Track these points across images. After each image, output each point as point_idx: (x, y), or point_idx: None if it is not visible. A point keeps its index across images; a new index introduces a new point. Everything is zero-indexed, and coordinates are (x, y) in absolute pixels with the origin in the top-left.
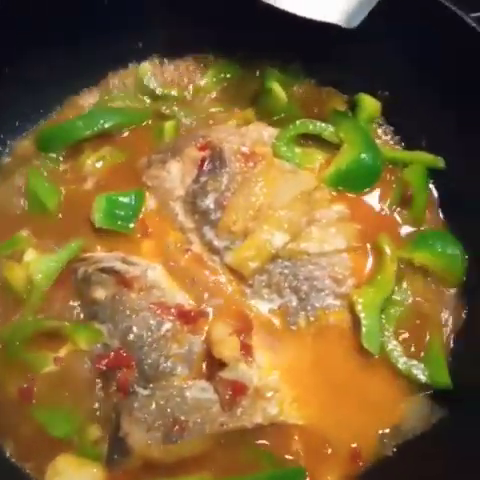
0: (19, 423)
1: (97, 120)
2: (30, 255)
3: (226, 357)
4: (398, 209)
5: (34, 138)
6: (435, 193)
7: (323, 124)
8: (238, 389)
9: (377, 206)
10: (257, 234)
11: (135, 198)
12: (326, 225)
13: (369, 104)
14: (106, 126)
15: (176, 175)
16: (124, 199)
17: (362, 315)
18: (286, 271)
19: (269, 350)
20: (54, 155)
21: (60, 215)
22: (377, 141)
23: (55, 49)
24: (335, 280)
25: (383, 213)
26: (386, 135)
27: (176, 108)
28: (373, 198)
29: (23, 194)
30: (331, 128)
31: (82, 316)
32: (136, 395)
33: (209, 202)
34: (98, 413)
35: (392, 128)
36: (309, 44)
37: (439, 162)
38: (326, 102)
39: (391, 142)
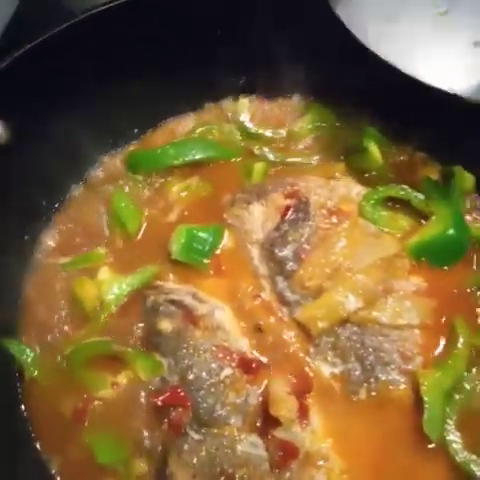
0: (69, 442)
1: (189, 150)
2: (104, 274)
3: (282, 416)
4: (479, 292)
5: (125, 158)
6: None
7: (414, 192)
8: (290, 451)
9: (457, 284)
10: (331, 294)
11: (214, 234)
12: (402, 297)
13: (464, 178)
14: (197, 157)
15: (258, 218)
16: (203, 234)
17: (426, 398)
18: (354, 337)
19: (325, 416)
20: (141, 177)
21: (139, 239)
22: (467, 217)
23: (156, 70)
24: (403, 356)
25: (462, 292)
26: (476, 212)
27: (267, 149)
28: (454, 276)
29: (106, 211)
30: (421, 196)
31: (143, 346)
32: (187, 437)
33: (287, 252)
34: (146, 447)
35: None
36: (411, 107)
37: None
38: (420, 169)
39: None
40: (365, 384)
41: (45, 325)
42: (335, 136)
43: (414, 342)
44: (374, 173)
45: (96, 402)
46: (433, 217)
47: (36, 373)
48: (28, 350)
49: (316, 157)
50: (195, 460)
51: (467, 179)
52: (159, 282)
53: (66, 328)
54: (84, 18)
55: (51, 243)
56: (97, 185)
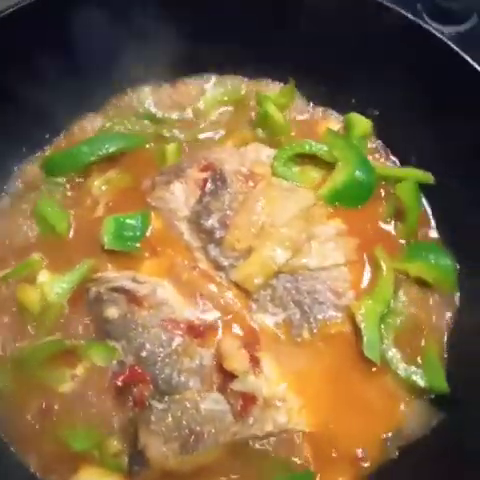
0: (41, 439)
1: (102, 145)
2: (43, 276)
3: (236, 369)
4: (393, 223)
5: (42, 163)
6: (428, 207)
7: (318, 144)
8: (248, 400)
9: (372, 220)
10: (260, 251)
11: (141, 219)
12: (325, 240)
13: (361, 123)
14: (110, 150)
15: (180, 196)
16: (131, 221)
17: (362, 325)
18: (288, 285)
19: (276, 362)
20: (61, 180)
21: (70, 238)
22: (369, 158)
23: (58, 75)
24: (335, 293)
25: (378, 227)
26: (378, 153)
27: (177, 130)
28: (368, 213)
29: (33, 219)
30: (325, 147)
31: (95, 335)
32: (152, 409)
33: (213, 221)
34: (116, 427)
35: (383, 146)
36: (304, 64)
37: (429, 178)
38: (320, 122)
39: (382, 160)
40: (306, 325)
41: None
42: (238, 108)
43: (343, 279)
44: (279, 135)
45: (60, 397)
46: (339, 163)
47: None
48: None
49: (223, 130)
50: (163, 428)
51: (364, 124)
52: (98, 274)
53: (19, 335)
54: None
55: None
56: (19, 195)
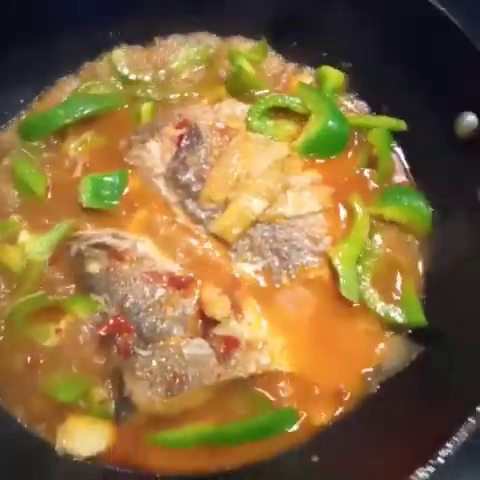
0: (28, 393)
1: (76, 107)
2: (24, 237)
3: (217, 315)
4: (367, 170)
5: (18, 127)
6: (401, 153)
7: (291, 97)
8: (231, 343)
9: (347, 169)
10: (237, 202)
11: (119, 178)
12: (300, 190)
13: (333, 75)
14: (85, 112)
15: (156, 153)
16: (108, 179)
17: (340, 268)
18: (266, 234)
19: (257, 307)
20: (37, 143)
21: (49, 199)
22: (342, 109)
23: (30, 40)
24: (312, 239)
25: (353, 175)
26: (351, 103)
27: (150, 91)
28: (342, 162)
29: (11, 182)
30: (298, 100)
31: (77, 291)
32: (136, 356)
33: (190, 176)
34: (102, 375)
35: (356, 96)
36: (276, 20)
37: (401, 125)
38: (293, 77)
39: (355, 110)
40: (284, 271)
41: None
42: (210, 66)
43: (320, 226)
44: (253, 90)
45: (45, 350)
46: (312, 115)
47: None
48: None
49: (197, 88)
50: (148, 373)
51: (336, 76)
52: (79, 232)
53: (1, 296)
54: None
55: None
56: None
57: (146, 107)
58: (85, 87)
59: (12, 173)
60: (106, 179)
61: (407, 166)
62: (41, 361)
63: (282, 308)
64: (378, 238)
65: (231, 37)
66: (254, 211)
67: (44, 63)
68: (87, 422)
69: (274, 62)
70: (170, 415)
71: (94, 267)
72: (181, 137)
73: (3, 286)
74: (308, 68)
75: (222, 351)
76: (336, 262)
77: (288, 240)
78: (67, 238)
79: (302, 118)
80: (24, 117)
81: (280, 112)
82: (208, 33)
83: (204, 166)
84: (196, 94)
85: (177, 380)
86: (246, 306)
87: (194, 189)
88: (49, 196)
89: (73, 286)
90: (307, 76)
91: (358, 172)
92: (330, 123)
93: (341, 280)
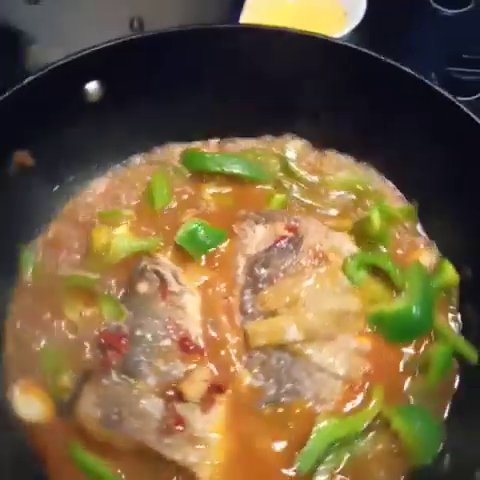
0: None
1: (231, 163)
2: (121, 230)
3: (188, 396)
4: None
5: (181, 152)
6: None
7: (396, 268)
8: (179, 422)
9: (395, 361)
10: (279, 319)
11: (218, 236)
12: (340, 349)
13: (449, 275)
14: (234, 171)
15: (257, 237)
16: (209, 232)
17: (312, 436)
18: (282, 362)
19: (227, 415)
20: (187, 172)
21: (161, 216)
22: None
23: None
24: (316, 397)
25: (395, 369)
26: (454, 322)
27: (296, 187)
28: (397, 353)
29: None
30: (401, 273)
31: (119, 294)
32: (110, 376)
33: (264, 272)
34: (76, 368)
35: (459, 315)
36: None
37: (472, 355)
38: (415, 251)
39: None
40: (272, 403)
41: (56, 246)
42: (359, 199)
43: (332, 391)
44: (372, 241)
45: (63, 320)
46: (403, 294)
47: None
48: (33, 256)
49: (332, 210)
50: (104, 393)
51: (452, 277)
52: (157, 254)
53: (70, 259)
54: None
55: (98, 190)
56: (150, 162)
57: (279, 198)
58: (248, 152)
59: (150, 179)
60: (207, 231)
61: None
62: (54, 323)
63: (246, 430)
64: (370, 437)
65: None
66: (287, 337)
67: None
68: (37, 396)
69: (407, 236)
70: (95, 439)
71: (143, 287)
72: (282, 238)
73: (78, 256)
74: (435, 249)
75: (166, 426)
76: (315, 428)
77: (296, 382)
78: (145, 251)
79: (394, 288)
80: (190, 147)
81: (380, 270)
82: (376, 172)
83: (280, 273)
84: (324, 211)
85: (117, 418)
86: (218, 407)
87: (259, 285)
88: (164, 213)
89: (120, 290)
90: (429, 255)
91: (402, 370)
92: (414, 310)
93: (306, 446)
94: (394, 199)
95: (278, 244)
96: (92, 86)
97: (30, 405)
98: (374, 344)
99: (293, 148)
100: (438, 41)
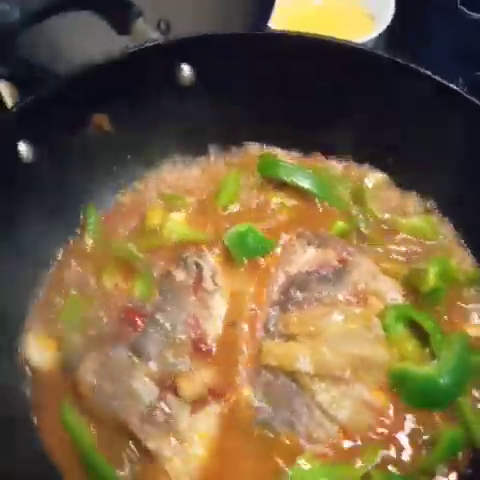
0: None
1: (302, 177)
2: (177, 216)
3: (181, 392)
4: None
5: (261, 155)
6: None
7: (439, 332)
8: (165, 414)
9: (402, 424)
10: (296, 346)
11: (266, 244)
12: (349, 397)
13: None
14: (303, 185)
15: (304, 258)
16: (258, 239)
17: (289, 473)
18: (287, 390)
19: (214, 427)
20: (260, 176)
21: (220, 213)
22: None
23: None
24: (309, 435)
25: (402, 433)
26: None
27: (362, 217)
28: (407, 426)
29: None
30: (441, 337)
31: (157, 276)
32: (117, 350)
33: (298, 296)
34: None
35: None
36: None
37: None
38: (466, 319)
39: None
40: (264, 427)
41: (118, 217)
42: (427, 250)
43: (326, 434)
44: (424, 296)
45: (99, 283)
46: (435, 362)
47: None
48: (96, 216)
49: (393, 254)
50: (106, 364)
51: None
52: (204, 247)
53: (126, 232)
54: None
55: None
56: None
57: (340, 225)
58: (326, 171)
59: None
60: (257, 236)
61: None
62: (90, 284)
63: (226, 447)
64: None
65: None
66: (298, 366)
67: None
68: (43, 340)
69: (464, 303)
70: (86, 404)
71: (180, 275)
72: (327, 265)
73: (133, 231)
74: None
75: (154, 413)
76: (291, 473)
77: (294, 413)
78: (193, 242)
79: (428, 353)
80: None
81: (420, 329)
82: (453, 228)
83: (314, 301)
84: (383, 252)
85: (109, 391)
86: (207, 416)
87: (289, 306)
88: (222, 212)
89: (159, 272)
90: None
91: (408, 439)
92: (441, 381)
93: None
94: (464, 261)
95: (321, 271)
96: (186, 70)
97: (40, 353)
98: (388, 402)
99: (374, 179)
100: (466, 45)
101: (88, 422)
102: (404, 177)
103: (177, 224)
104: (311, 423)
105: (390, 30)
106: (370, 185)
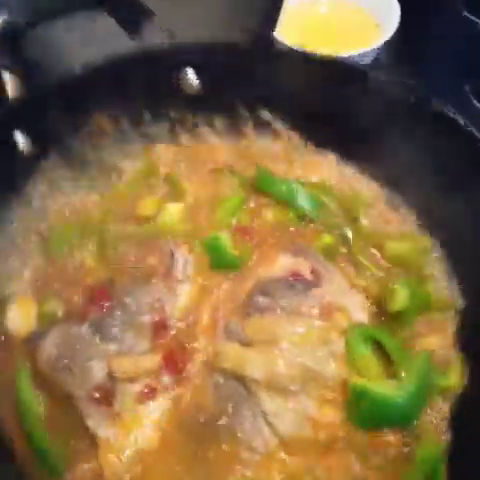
0: None
1: (300, 199)
2: (174, 207)
3: (115, 371)
4: None
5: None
6: None
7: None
8: (110, 395)
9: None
10: (248, 352)
11: (234, 262)
12: (293, 409)
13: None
14: (300, 203)
15: (278, 264)
16: (228, 255)
17: None
18: (234, 394)
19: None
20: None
21: (209, 215)
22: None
23: None
24: (248, 443)
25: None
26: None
27: (351, 233)
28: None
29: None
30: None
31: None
32: (81, 327)
33: (261, 300)
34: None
35: None
36: None
37: None
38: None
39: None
40: (207, 425)
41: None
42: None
43: (265, 444)
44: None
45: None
46: (396, 381)
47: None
48: None
49: (375, 272)
50: (67, 339)
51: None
52: (184, 242)
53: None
54: None
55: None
56: None
57: (328, 238)
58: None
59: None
60: (228, 254)
61: None
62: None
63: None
64: None
65: None
66: (248, 372)
67: None
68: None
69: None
70: (41, 375)
71: (152, 260)
72: (299, 275)
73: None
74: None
75: (100, 392)
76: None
77: (240, 418)
78: (182, 234)
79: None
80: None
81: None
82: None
83: (277, 309)
84: (363, 269)
85: (65, 365)
86: (160, 396)
87: (250, 311)
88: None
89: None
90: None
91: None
92: (399, 400)
93: None
94: (443, 288)
95: (291, 279)
96: (191, 76)
97: (17, 321)
98: (335, 418)
99: (369, 194)
100: (472, 52)
101: (42, 397)
102: (399, 194)
103: (171, 215)
104: (252, 430)
105: (395, 38)
106: (364, 200)
